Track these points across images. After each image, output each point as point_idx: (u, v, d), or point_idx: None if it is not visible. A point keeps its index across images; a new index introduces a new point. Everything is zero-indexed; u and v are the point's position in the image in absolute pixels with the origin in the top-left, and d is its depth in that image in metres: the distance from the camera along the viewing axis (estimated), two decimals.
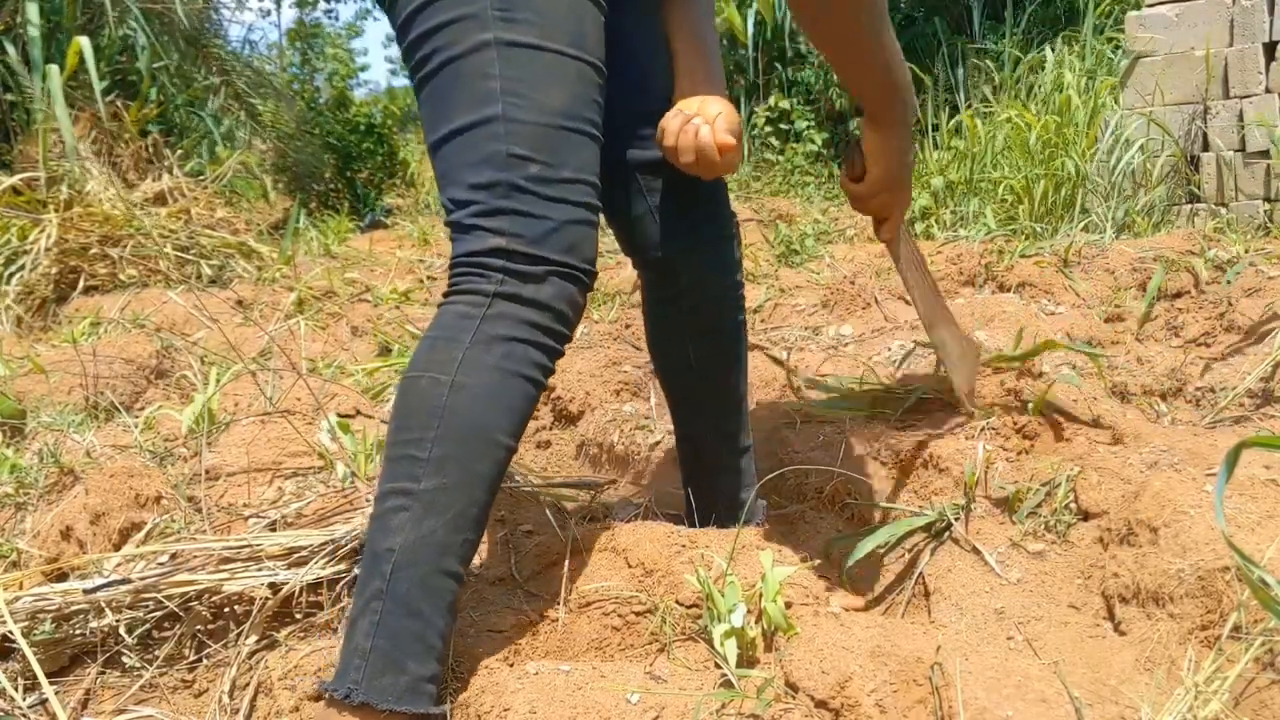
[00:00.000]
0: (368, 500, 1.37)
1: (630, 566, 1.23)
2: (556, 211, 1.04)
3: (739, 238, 1.43)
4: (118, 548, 1.37)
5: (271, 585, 1.25)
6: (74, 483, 1.54)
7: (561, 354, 1.08)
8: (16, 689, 1.18)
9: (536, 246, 1.02)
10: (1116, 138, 4.01)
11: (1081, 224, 3.94)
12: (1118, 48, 4.91)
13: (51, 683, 1.15)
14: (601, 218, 1.14)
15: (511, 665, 1.09)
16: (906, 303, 3.05)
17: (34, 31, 4.56)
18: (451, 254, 1.06)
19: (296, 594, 1.25)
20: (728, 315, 1.40)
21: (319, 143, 6.65)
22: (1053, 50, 5.21)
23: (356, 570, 1.29)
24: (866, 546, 1.40)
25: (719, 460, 1.47)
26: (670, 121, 1.22)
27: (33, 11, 4.55)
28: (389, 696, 0.95)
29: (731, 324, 1.41)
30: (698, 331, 1.39)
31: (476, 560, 1.30)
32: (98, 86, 4.58)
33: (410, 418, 1.02)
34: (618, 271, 3.55)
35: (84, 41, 4.55)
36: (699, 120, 1.20)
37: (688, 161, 1.21)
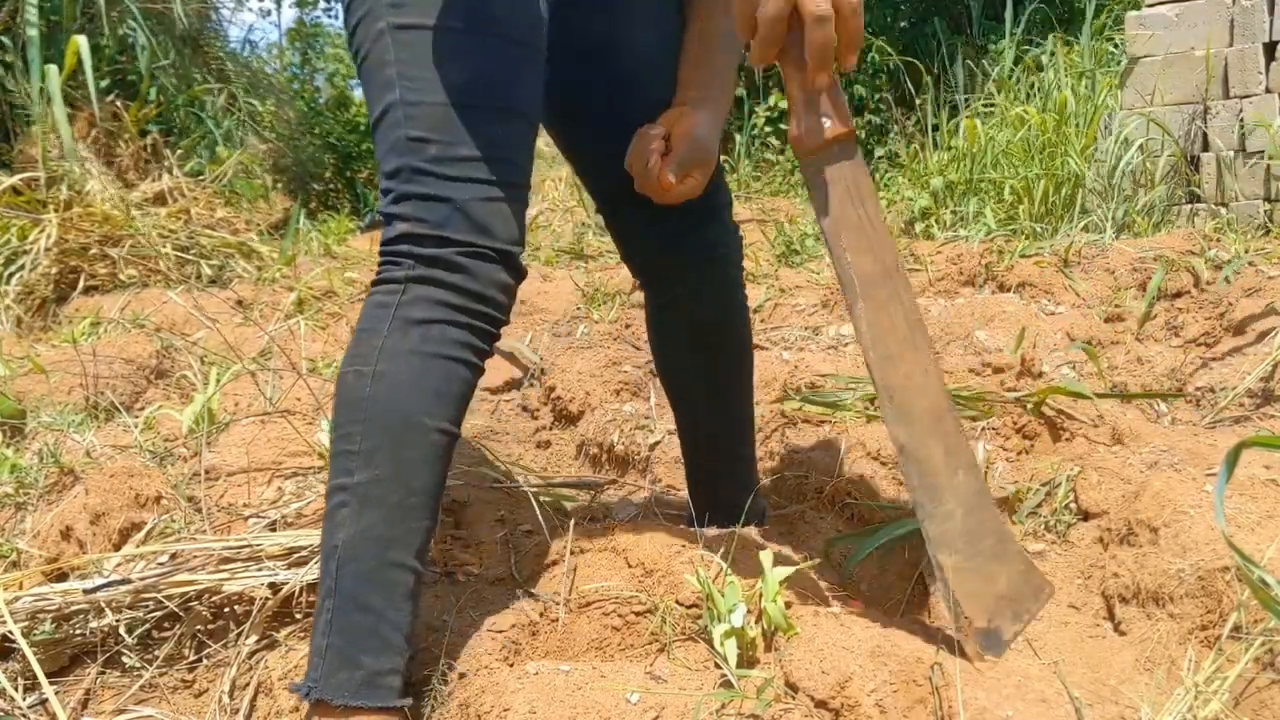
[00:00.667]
0: None
1: (630, 566, 1.23)
2: (458, 191, 1.00)
3: (736, 254, 1.38)
4: (118, 548, 1.37)
5: (271, 585, 1.25)
6: (74, 483, 1.54)
7: (492, 334, 1.05)
8: (16, 689, 1.18)
9: (440, 229, 1.00)
10: (1116, 138, 4.01)
11: (1081, 224, 3.94)
12: (1116, 48, 4.91)
13: (51, 683, 1.15)
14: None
15: (511, 665, 1.09)
16: None
17: (32, 31, 4.56)
18: (381, 243, 1.06)
19: (296, 594, 1.25)
20: (727, 330, 1.38)
21: (319, 143, 6.65)
22: (1052, 50, 5.21)
23: None
24: (866, 547, 1.40)
25: (716, 465, 1.47)
26: (638, 137, 1.18)
27: (32, 12, 4.55)
28: (344, 692, 0.95)
29: (732, 340, 1.39)
30: (696, 341, 1.38)
31: (476, 560, 1.30)
32: (93, 87, 4.57)
33: (340, 412, 1.01)
34: (617, 271, 3.55)
35: (81, 41, 4.55)
36: (656, 146, 1.17)
37: (638, 185, 1.19)
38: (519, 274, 1.05)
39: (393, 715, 0.98)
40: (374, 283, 1.05)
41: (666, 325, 1.40)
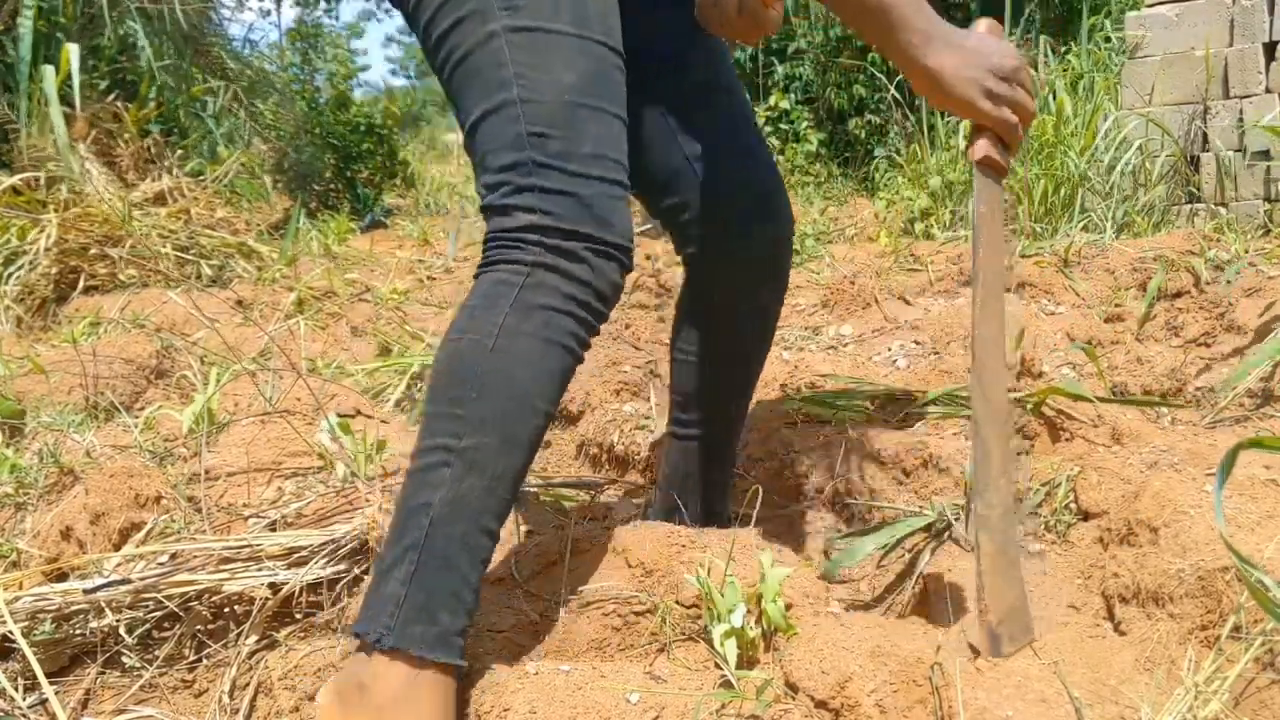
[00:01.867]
0: (368, 500, 1.37)
1: (630, 566, 1.23)
2: (583, 187, 1.05)
3: (783, 253, 1.39)
4: (118, 548, 1.37)
5: (271, 585, 1.25)
6: (74, 483, 1.54)
7: (597, 331, 1.09)
8: (16, 689, 1.18)
9: (570, 222, 1.04)
10: (1116, 138, 4.01)
11: (1081, 224, 3.95)
12: (1115, 50, 4.91)
13: (51, 683, 1.15)
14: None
15: (511, 665, 1.09)
16: (907, 303, 3.05)
17: (25, 35, 4.56)
18: (486, 233, 1.08)
19: (296, 594, 1.26)
20: (756, 326, 1.42)
21: (319, 143, 6.65)
22: (1051, 50, 5.21)
23: (356, 570, 1.29)
24: (866, 546, 1.40)
25: (708, 460, 1.47)
26: None
27: (27, 17, 4.55)
28: (420, 644, 0.98)
29: (756, 334, 1.42)
30: (723, 332, 1.40)
31: None
32: (78, 90, 4.56)
33: (452, 377, 1.04)
34: None
35: (72, 49, 4.55)
36: None
37: (720, 29, 1.26)
38: (630, 269, 1.11)
39: (453, 674, 1.01)
40: (490, 262, 1.07)
41: (697, 314, 1.43)
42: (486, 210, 1.08)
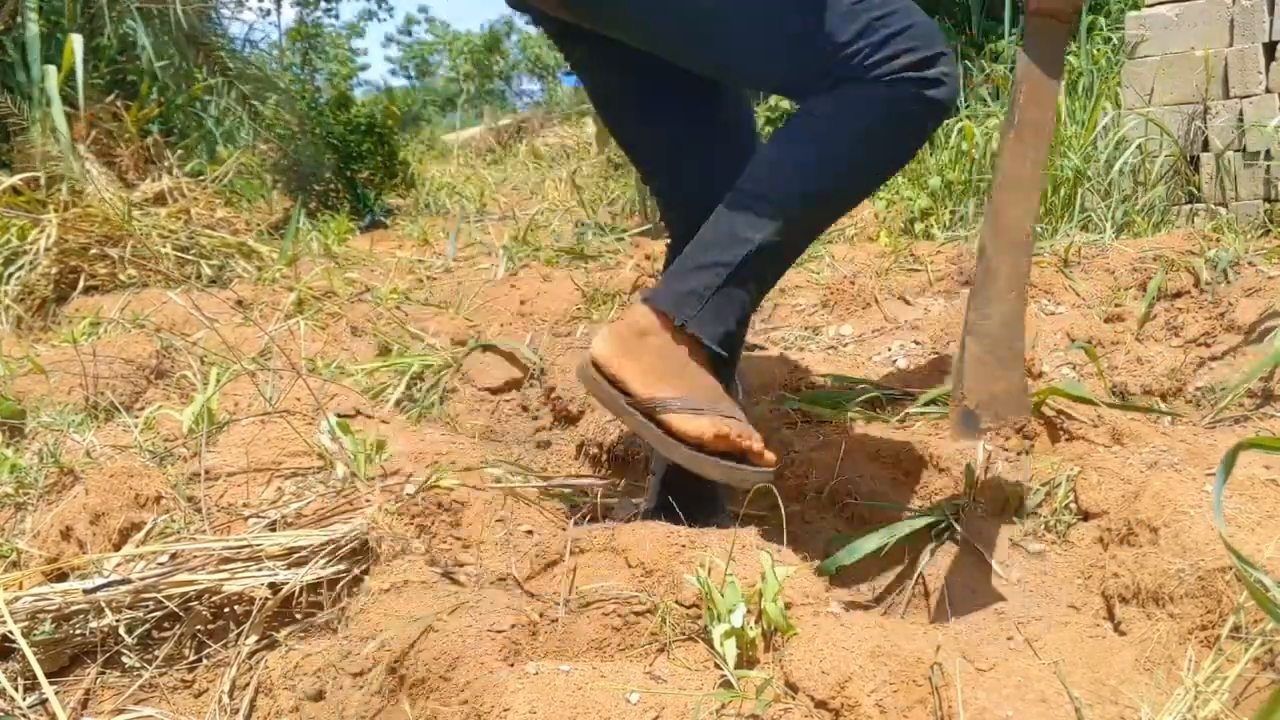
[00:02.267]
0: (368, 500, 1.37)
1: (630, 566, 1.23)
2: (915, 15, 1.24)
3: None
4: (118, 548, 1.37)
5: (271, 585, 1.25)
6: (74, 483, 1.54)
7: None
8: (16, 689, 1.18)
9: (931, 45, 1.22)
10: (1115, 138, 4.01)
11: (1081, 223, 3.94)
12: (1115, 50, 4.91)
13: (51, 683, 1.15)
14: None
15: (511, 665, 1.09)
16: (907, 303, 3.05)
17: (33, 28, 4.55)
18: (851, 82, 1.24)
19: (296, 594, 1.25)
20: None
21: (319, 143, 6.65)
22: None
23: (356, 570, 1.29)
24: (867, 546, 1.40)
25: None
26: None
27: (30, 17, 4.54)
28: (710, 338, 1.25)
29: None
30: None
31: (476, 560, 1.30)
32: (82, 87, 4.56)
33: (827, 160, 1.26)
34: (617, 272, 3.55)
35: (76, 40, 4.53)
36: None
37: None
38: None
39: (718, 364, 1.27)
40: (869, 78, 1.23)
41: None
42: (847, 78, 1.24)
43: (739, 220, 1.26)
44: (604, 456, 2.05)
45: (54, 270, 3.70)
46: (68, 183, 4.06)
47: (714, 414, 1.23)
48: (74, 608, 1.23)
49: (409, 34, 32.70)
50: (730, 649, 1.05)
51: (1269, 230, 3.53)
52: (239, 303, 3.53)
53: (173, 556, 1.28)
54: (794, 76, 1.29)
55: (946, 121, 5.42)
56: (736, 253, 1.24)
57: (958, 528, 1.40)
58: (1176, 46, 3.89)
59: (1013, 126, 1.24)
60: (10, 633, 1.16)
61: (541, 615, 1.19)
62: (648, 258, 3.58)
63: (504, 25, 26.31)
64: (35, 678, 1.12)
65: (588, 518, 1.65)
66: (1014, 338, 1.24)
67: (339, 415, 1.69)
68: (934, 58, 1.22)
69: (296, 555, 1.28)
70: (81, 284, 3.72)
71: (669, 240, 1.62)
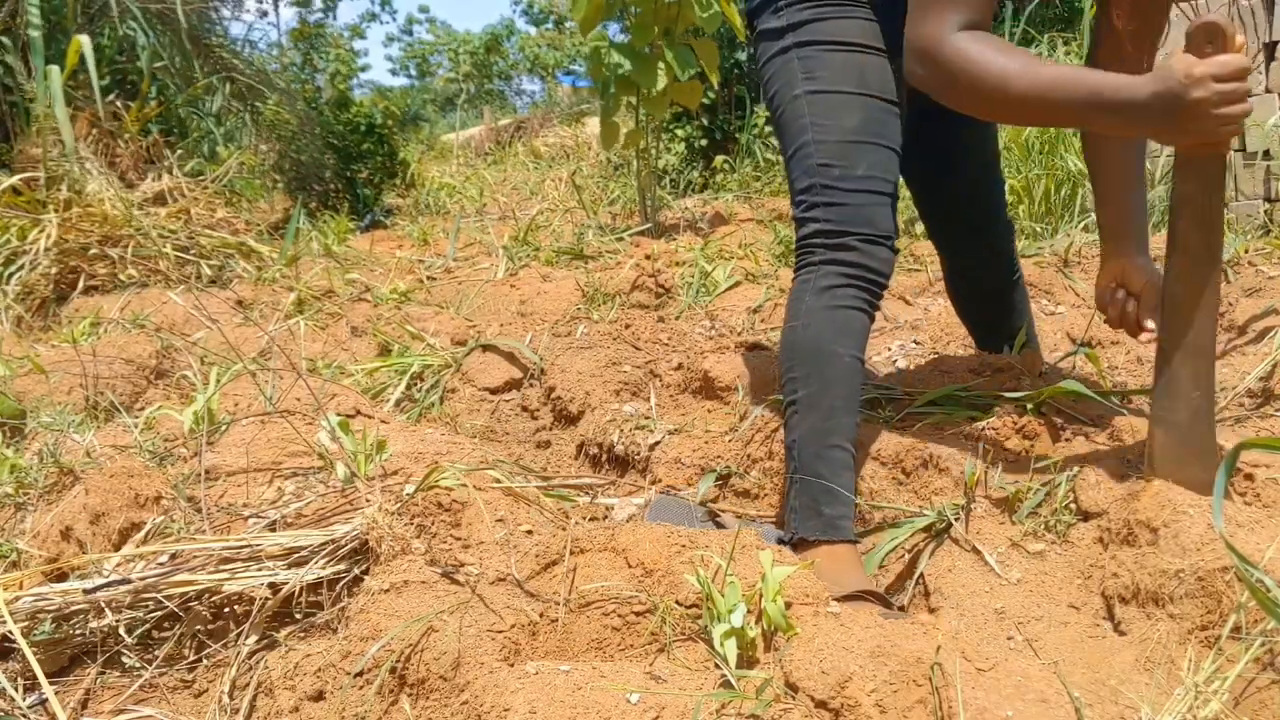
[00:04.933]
0: (367, 500, 1.37)
1: (630, 566, 1.23)
2: (855, 199, 1.47)
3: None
4: (118, 548, 1.37)
5: (271, 585, 1.25)
6: (74, 483, 1.54)
7: (879, 293, 1.50)
8: (16, 689, 1.18)
9: (843, 225, 1.46)
10: None
11: (1081, 224, 3.94)
12: None
13: (51, 683, 1.15)
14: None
15: (511, 665, 1.09)
16: (907, 303, 3.05)
17: (35, 32, 4.55)
18: (795, 239, 1.55)
19: (296, 594, 1.25)
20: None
21: (319, 143, 6.64)
22: (1050, 50, 5.20)
23: (356, 570, 1.29)
24: (879, 553, 1.41)
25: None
26: (1110, 302, 1.56)
27: (34, 16, 4.54)
28: (815, 532, 1.40)
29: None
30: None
31: (476, 560, 1.30)
32: (97, 86, 4.57)
33: (785, 353, 1.51)
34: (617, 271, 3.55)
35: (84, 40, 4.54)
36: (1131, 307, 1.53)
37: (1117, 327, 1.58)
38: (895, 253, 1.51)
39: (849, 544, 1.40)
40: (798, 266, 1.53)
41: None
42: (795, 221, 1.54)
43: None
44: (604, 456, 2.05)
45: (54, 270, 3.70)
46: (68, 183, 4.05)
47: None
48: (74, 608, 1.23)
49: (410, 34, 32.73)
50: (730, 649, 1.05)
51: (1269, 230, 3.53)
52: (239, 303, 3.53)
53: (173, 556, 1.28)
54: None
55: None
56: (790, 453, 1.47)
57: (958, 528, 1.40)
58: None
59: (1179, 251, 1.26)
60: (10, 633, 1.16)
61: (541, 615, 1.19)
62: (648, 257, 3.58)
63: (504, 27, 26.29)
64: (35, 678, 1.12)
65: (588, 518, 1.65)
66: (1203, 431, 1.27)
67: (339, 415, 1.69)
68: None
69: (296, 555, 1.28)
70: (81, 284, 3.73)
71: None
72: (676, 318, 3.04)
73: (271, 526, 1.38)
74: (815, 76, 1.50)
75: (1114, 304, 1.55)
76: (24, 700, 1.17)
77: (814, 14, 1.51)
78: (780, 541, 1.42)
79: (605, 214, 5.64)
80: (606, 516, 1.72)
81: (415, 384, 2.48)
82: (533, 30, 26.67)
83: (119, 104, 4.97)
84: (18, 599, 1.22)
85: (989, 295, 1.92)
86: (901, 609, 1.36)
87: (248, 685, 1.19)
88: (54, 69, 4.39)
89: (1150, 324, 1.48)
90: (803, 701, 0.98)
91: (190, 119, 6.11)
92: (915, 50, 1.35)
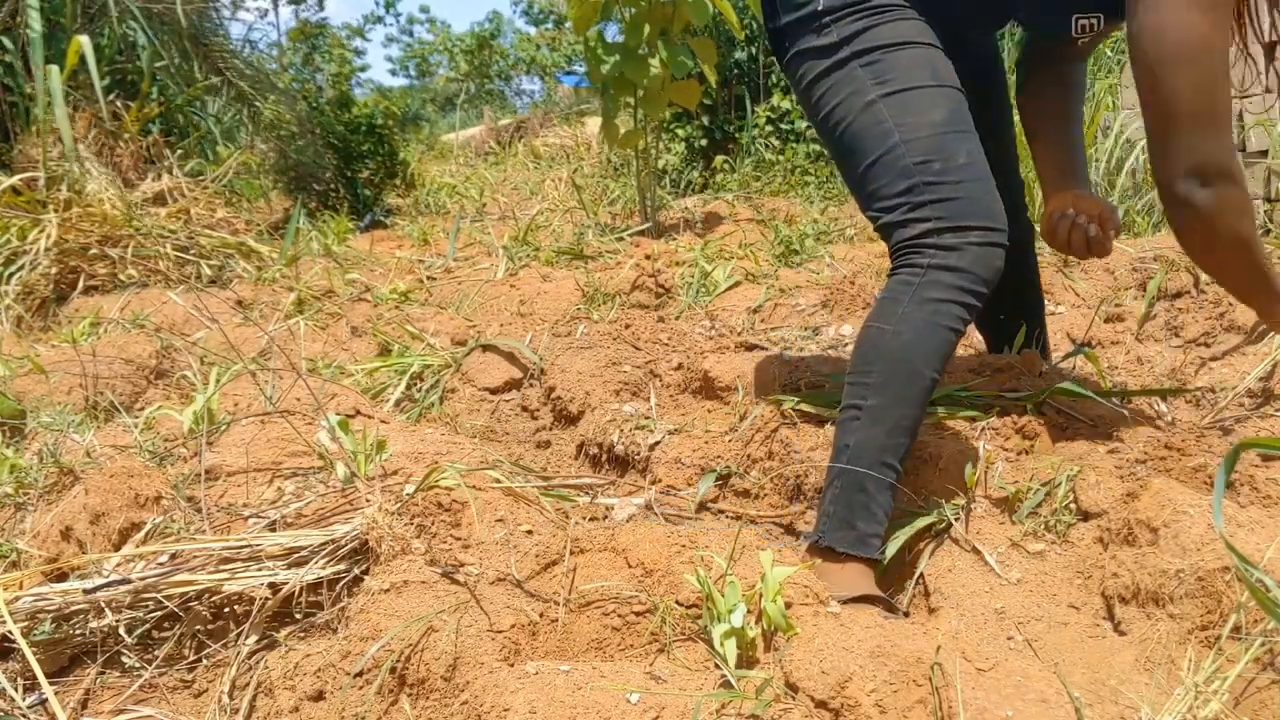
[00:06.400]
0: (367, 500, 1.37)
1: (630, 566, 1.23)
2: (964, 190, 1.39)
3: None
4: (118, 548, 1.37)
5: (271, 585, 1.25)
6: (74, 483, 1.54)
7: (979, 308, 1.41)
8: (16, 689, 1.18)
9: (961, 218, 1.38)
10: (1116, 138, 4.00)
11: None
12: (1113, 50, 4.91)
13: (51, 683, 1.15)
14: None
15: (511, 665, 1.09)
16: None
17: (35, 33, 4.55)
18: (891, 243, 1.45)
19: (296, 594, 1.25)
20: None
21: (319, 143, 6.64)
22: None
23: (356, 570, 1.29)
24: (887, 554, 1.41)
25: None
26: (1073, 226, 1.61)
27: (34, 16, 4.54)
28: (844, 544, 1.35)
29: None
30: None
31: (476, 560, 1.30)
32: (97, 85, 4.57)
33: (862, 355, 1.42)
34: (617, 272, 3.55)
35: (84, 40, 4.54)
36: (1095, 232, 1.59)
37: (1080, 255, 1.64)
38: (1006, 249, 1.42)
39: (873, 564, 1.36)
40: (897, 267, 1.43)
41: None
42: (886, 228, 1.45)
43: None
44: (604, 456, 2.05)
45: (54, 270, 3.70)
46: (68, 182, 4.05)
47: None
48: (74, 608, 1.23)
49: (410, 34, 32.74)
50: (730, 649, 1.05)
51: (1269, 230, 3.53)
52: (239, 303, 3.53)
53: (173, 556, 1.28)
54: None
55: None
56: (839, 457, 1.40)
57: (958, 528, 1.40)
58: None
59: None
60: (10, 633, 1.16)
61: (541, 615, 1.19)
62: (648, 257, 3.58)
63: (491, 25, 26.25)
64: (35, 678, 1.12)
65: (588, 518, 1.64)
66: None
67: (339, 415, 1.69)
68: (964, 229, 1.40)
69: (296, 555, 1.28)
70: (81, 284, 3.72)
71: None
72: (676, 318, 3.04)
73: (271, 526, 1.38)
74: (887, 79, 1.45)
75: (1064, 222, 1.61)
76: (24, 700, 1.17)
77: (868, 22, 1.48)
78: (805, 539, 1.42)
79: (605, 214, 5.63)
80: (606, 516, 1.72)
81: (415, 384, 2.48)
82: (532, 30, 26.66)
83: (119, 104, 4.97)
84: (18, 599, 1.22)
85: (1005, 294, 1.85)
86: (906, 615, 1.36)
87: (248, 685, 1.19)
88: (54, 69, 4.39)
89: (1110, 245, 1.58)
90: (803, 701, 0.98)
91: (190, 119, 6.11)
92: (1197, 168, 1.32)
